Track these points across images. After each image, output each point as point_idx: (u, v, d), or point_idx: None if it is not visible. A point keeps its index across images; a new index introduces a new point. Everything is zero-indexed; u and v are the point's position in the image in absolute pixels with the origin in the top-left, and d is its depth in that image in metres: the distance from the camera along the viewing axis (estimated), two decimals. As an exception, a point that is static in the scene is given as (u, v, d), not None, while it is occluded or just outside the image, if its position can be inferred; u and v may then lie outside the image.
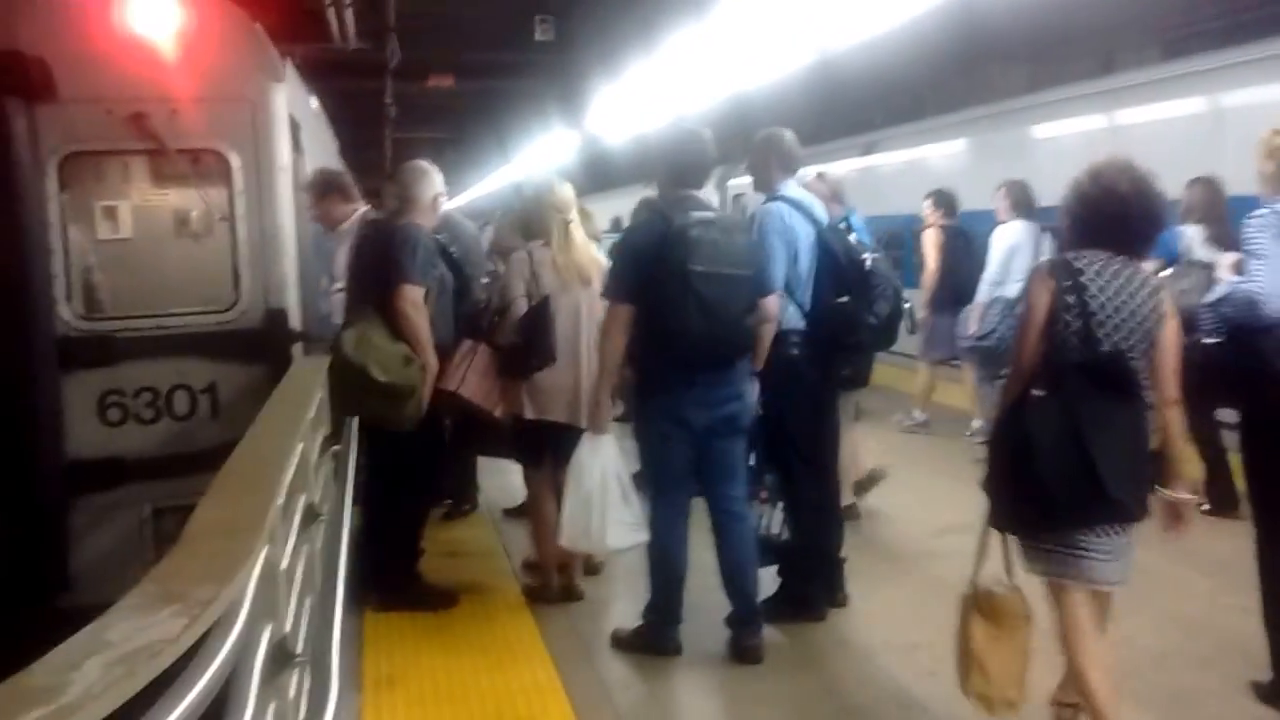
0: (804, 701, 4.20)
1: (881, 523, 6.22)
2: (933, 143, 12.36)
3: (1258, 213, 4.05)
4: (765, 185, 4.98)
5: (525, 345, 4.97)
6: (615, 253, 4.60)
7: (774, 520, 4.75)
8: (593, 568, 5.54)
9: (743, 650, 4.56)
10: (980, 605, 3.55)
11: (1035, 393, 3.35)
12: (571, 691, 4.26)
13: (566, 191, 5.23)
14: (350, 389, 4.65)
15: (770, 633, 4.73)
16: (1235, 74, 8.19)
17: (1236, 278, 4.40)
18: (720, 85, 10.97)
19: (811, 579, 4.93)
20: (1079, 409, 3.25)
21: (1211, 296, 4.56)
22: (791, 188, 4.93)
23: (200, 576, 1.77)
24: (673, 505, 4.55)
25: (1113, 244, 3.45)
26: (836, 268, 4.75)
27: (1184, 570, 5.17)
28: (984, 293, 7.83)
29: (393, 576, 5.14)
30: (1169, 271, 5.59)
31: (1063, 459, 3.23)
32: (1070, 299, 3.36)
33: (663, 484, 4.56)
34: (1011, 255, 7.71)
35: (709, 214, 4.44)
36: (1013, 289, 7.41)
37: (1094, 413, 3.25)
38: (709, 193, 7.22)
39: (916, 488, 6.25)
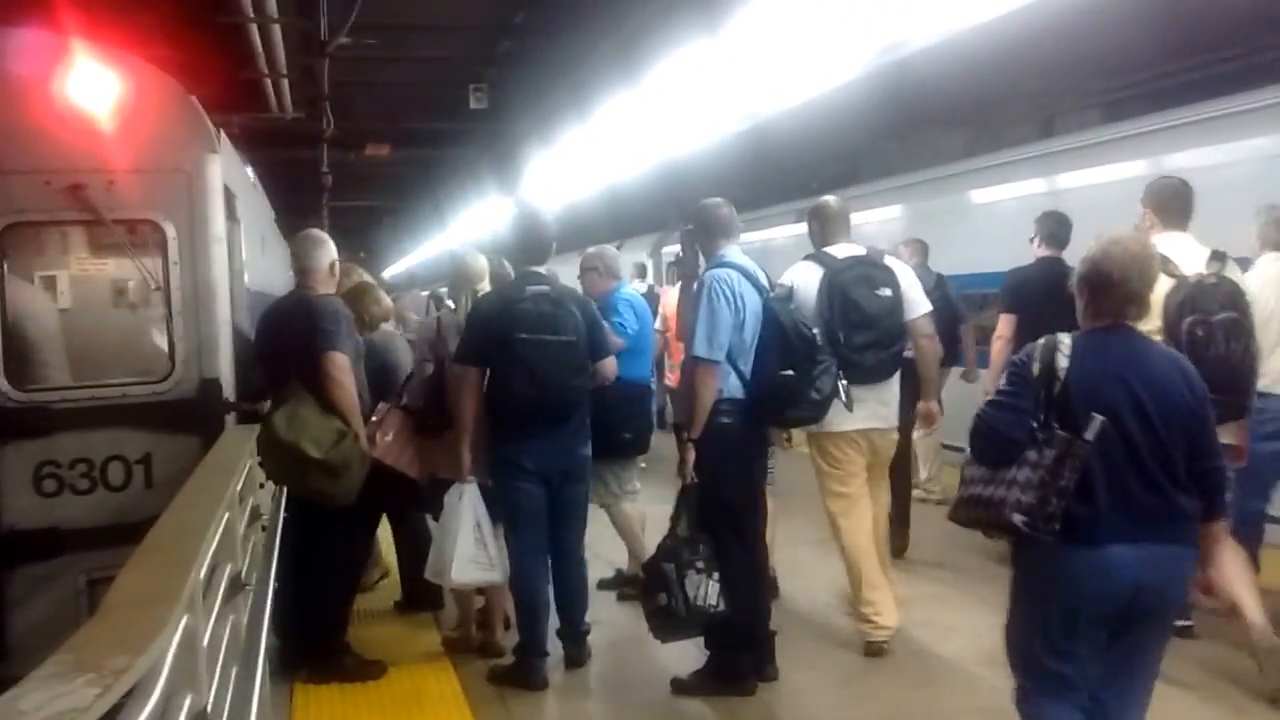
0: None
1: (813, 595, 6.21)
2: (868, 209, 12.59)
3: None
4: (709, 252, 5.02)
5: (427, 406, 5.34)
6: (467, 321, 5.12)
7: (710, 591, 4.63)
8: (507, 621, 5.64)
9: (569, 658, 5.23)
10: None
11: None
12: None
13: (480, 262, 5.63)
14: (287, 468, 4.65)
15: (699, 707, 4.77)
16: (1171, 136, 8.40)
17: None
18: (653, 152, 11.14)
19: (739, 652, 4.90)
20: None
21: None
22: (736, 254, 4.94)
23: (115, 646, 1.75)
24: (527, 544, 5.05)
25: None
26: (784, 340, 4.73)
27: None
28: None
29: (321, 647, 5.10)
30: None
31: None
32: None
33: (515, 527, 5.06)
34: None
35: (544, 288, 4.98)
36: None
37: None
38: (642, 258, 7.55)
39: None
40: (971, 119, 12.90)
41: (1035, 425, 3.15)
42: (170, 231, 5.11)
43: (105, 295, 5.33)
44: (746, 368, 4.77)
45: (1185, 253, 4.76)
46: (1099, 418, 3.08)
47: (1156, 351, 3.36)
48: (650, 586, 4.75)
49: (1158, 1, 8.15)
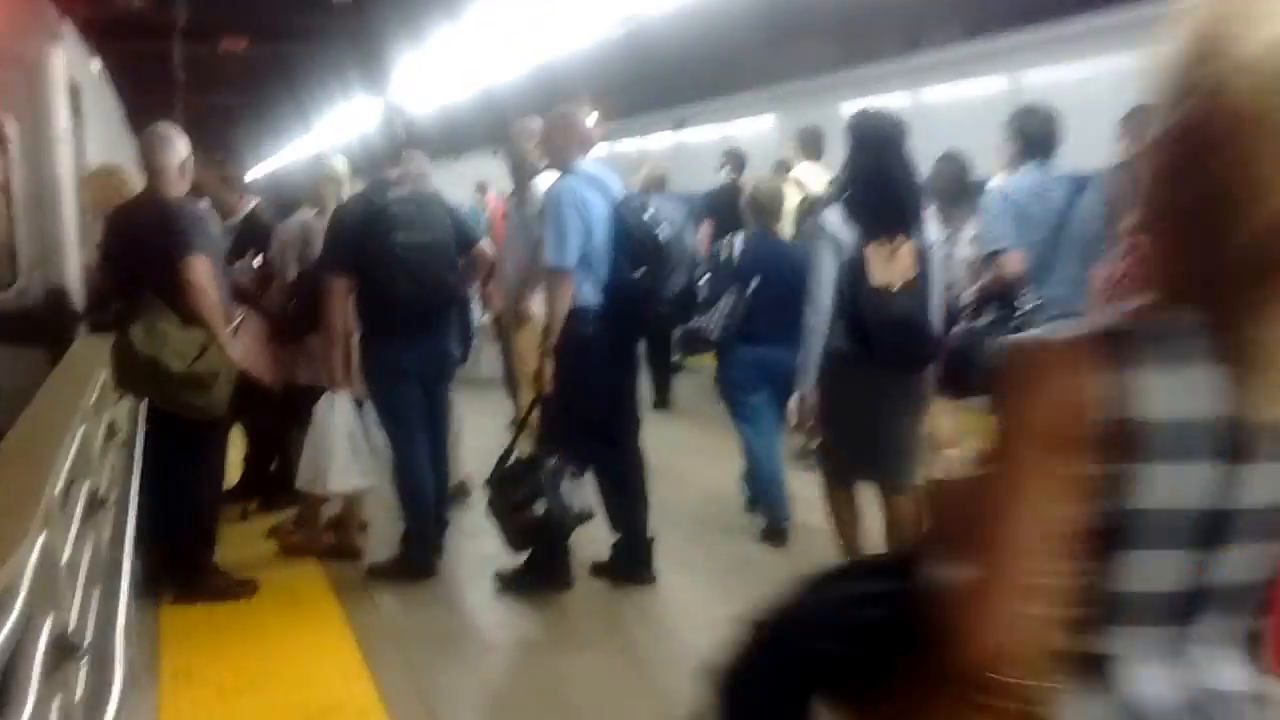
0: (613, 680, 4.20)
1: (688, 499, 6.25)
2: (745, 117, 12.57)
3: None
4: (560, 160, 4.98)
5: (295, 312, 5.33)
6: (329, 230, 5.09)
7: (581, 495, 4.74)
8: (363, 524, 5.65)
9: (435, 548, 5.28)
10: None
11: None
12: (377, 675, 4.19)
13: (340, 164, 5.67)
14: (148, 383, 4.42)
15: (581, 609, 4.84)
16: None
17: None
18: (529, 54, 10.86)
19: (552, 549, 4.95)
20: None
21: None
22: (587, 162, 4.94)
23: (-31, 564, 1.65)
24: (410, 442, 5.12)
25: None
26: (630, 242, 4.78)
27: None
28: None
29: (187, 567, 4.92)
30: None
31: None
32: None
33: (403, 427, 5.11)
34: None
35: (404, 191, 5.08)
36: None
37: None
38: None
39: (726, 465, 6.32)
40: (842, 31, 12.87)
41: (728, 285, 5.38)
42: (9, 128, 4.78)
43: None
44: (601, 273, 4.77)
45: (815, 177, 7.07)
46: (756, 279, 5.33)
47: (785, 244, 5.79)
48: (523, 499, 4.71)
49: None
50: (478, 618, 4.90)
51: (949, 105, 9.49)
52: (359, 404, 5.21)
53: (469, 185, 12.83)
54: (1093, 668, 1.32)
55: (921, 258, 4.32)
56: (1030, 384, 1.27)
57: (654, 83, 14.81)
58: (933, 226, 4.48)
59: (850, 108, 10.30)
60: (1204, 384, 1.23)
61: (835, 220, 4.34)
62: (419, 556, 5.16)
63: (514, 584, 5.02)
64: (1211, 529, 1.28)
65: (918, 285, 4.27)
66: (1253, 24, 1.18)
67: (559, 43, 10.24)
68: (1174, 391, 1.23)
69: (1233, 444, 1.24)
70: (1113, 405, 1.23)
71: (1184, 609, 1.32)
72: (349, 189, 5.51)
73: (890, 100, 10.08)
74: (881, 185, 4.32)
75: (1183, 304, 1.24)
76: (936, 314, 4.46)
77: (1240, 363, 1.22)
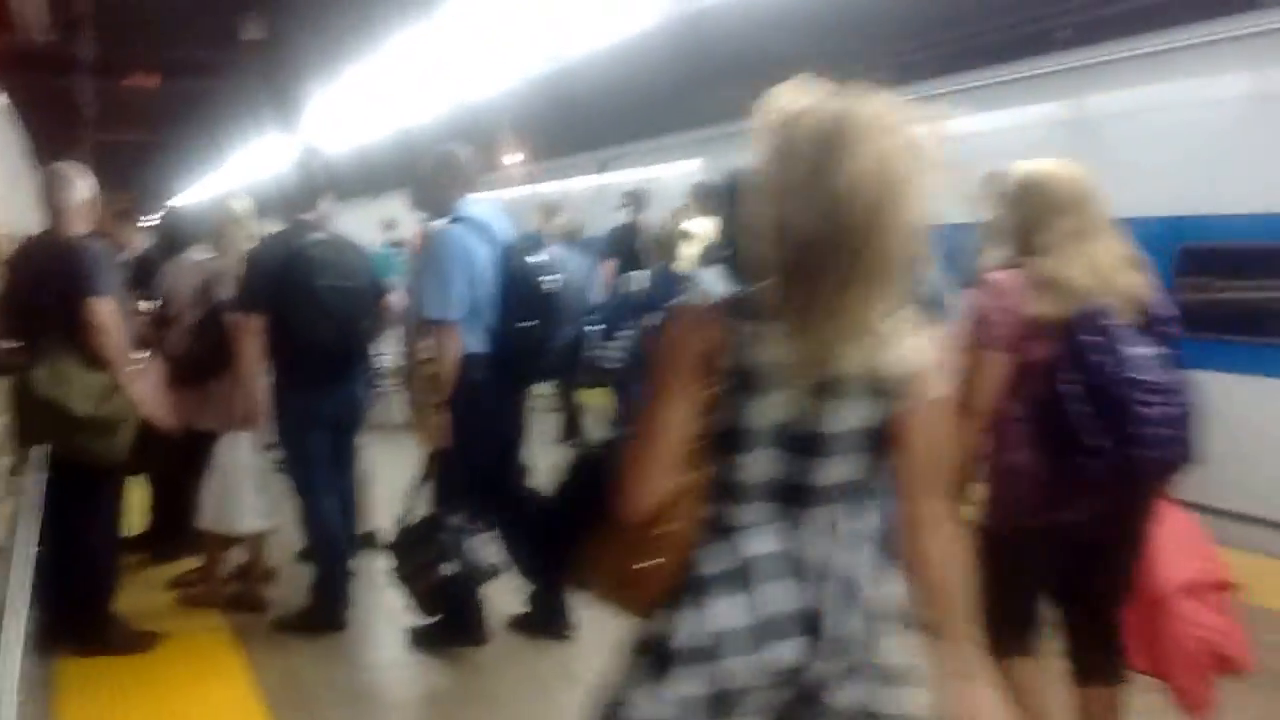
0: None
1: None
2: (667, 161, 12.62)
3: None
4: (443, 206, 4.85)
5: (198, 355, 5.20)
6: (245, 271, 4.99)
7: (490, 550, 4.60)
8: (268, 574, 5.44)
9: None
10: None
11: None
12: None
13: (245, 205, 5.58)
14: (50, 428, 4.24)
15: (496, 665, 4.68)
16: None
17: None
18: (449, 93, 10.81)
19: (465, 605, 4.80)
20: None
21: None
22: (472, 206, 4.80)
23: None
24: (322, 490, 4.97)
25: None
26: (518, 292, 4.67)
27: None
28: None
29: (86, 618, 4.70)
30: None
31: None
32: None
33: (310, 473, 4.96)
34: None
35: (322, 235, 4.97)
36: None
37: None
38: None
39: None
40: (769, 75, 13.03)
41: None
42: (-100, 160, 4.56)
43: None
44: (490, 322, 4.65)
45: (707, 229, 7.22)
46: (662, 314, 5.12)
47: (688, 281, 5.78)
48: (431, 560, 4.55)
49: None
50: (388, 674, 4.76)
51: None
52: (266, 447, 5.10)
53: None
54: (722, 531, 1.88)
55: None
56: (676, 331, 1.88)
57: (578, 125, 14.88)
58: None
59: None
60: (786, 340, 1.77)
61: (710, 279, 4.57)
62: (328, 608, 4.99)
63: (427, 640, 4.85)
64: (807, 443, 1.82)
65: None
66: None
67: (479, 82, 10.22)
68: (767, 343, 1.78)
69: (809, 383, 1.78)
70: (728, 349, 1.80)
71: (791, 497, 1.85)
72: (254, 230, 5.38)
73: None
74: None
75: (775, 287, 1.79)
76: None
77: (804, 327, 1.76)
